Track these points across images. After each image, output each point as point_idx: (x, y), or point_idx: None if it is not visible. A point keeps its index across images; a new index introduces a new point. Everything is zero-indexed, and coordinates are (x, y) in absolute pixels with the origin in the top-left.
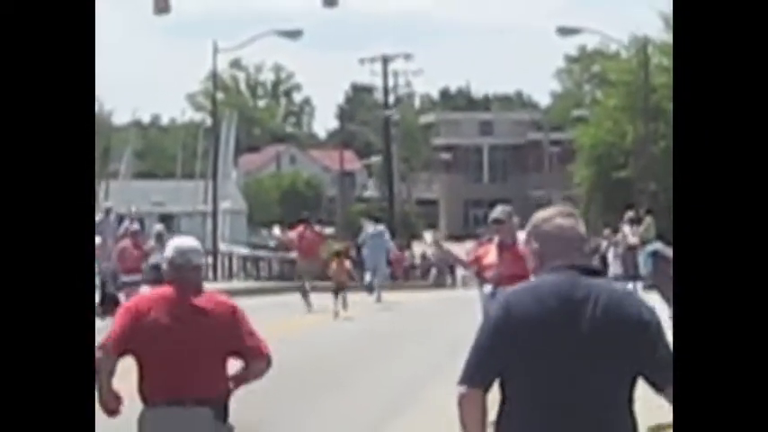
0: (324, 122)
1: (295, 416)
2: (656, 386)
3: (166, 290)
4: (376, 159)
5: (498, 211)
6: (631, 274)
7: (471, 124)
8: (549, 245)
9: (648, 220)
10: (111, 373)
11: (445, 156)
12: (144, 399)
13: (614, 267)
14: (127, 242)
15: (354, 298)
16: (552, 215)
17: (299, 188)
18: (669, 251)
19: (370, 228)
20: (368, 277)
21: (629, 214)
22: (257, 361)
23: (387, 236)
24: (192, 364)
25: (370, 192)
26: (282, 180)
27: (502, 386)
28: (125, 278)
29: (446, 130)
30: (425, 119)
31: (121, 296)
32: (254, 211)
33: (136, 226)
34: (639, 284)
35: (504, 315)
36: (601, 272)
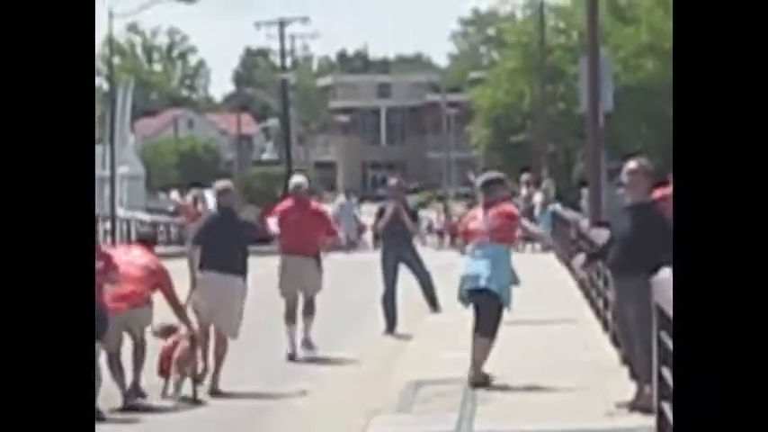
0: (220, 87)
1: None
2: None
3: (291, 201)
4: (273, 122)
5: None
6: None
7: (369, 86)
8: None
9: (548, 181)
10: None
11: (343, 118)
12: (283, 250)
13: None
14: None
15: None
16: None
17: (197, 152)
18: (565, 213)
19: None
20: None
21: (525, 177)
22: (332, 237)
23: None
24: (305, 235)
25: (268, 155)
26: (180, 144)
27: None
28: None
29: (343, 92)
30: (323, 81)
31: None
32: (152, 176)
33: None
34: (538, 245)
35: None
36: None
